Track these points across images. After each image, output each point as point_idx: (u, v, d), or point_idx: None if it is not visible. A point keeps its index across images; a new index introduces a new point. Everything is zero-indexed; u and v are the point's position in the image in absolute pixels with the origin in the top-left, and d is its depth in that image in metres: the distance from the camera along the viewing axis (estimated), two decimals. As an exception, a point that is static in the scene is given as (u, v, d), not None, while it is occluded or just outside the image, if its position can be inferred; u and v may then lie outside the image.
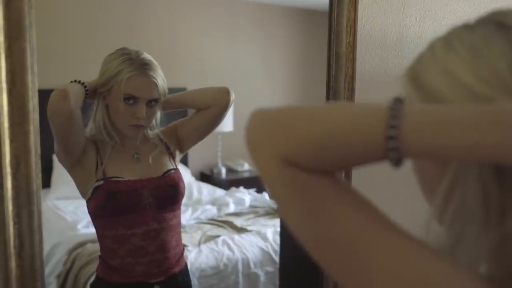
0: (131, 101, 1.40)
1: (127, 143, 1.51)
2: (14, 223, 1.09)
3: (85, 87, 1.37)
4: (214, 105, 1.58)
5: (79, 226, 2.56)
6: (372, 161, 0.50)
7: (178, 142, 1.62)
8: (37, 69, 1.09)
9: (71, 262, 2.43)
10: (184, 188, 1.55)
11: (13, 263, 1.10)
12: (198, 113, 1.61)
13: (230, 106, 1.62)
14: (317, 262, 0.53)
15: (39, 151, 1.12)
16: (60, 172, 2.93)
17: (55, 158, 3.06)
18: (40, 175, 1.13)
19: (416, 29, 1.67)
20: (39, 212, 1.14)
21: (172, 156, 1.59)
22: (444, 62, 0.53)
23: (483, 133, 0.43)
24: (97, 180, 1.42)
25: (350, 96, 1.50)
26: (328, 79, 1.50)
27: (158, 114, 1.54)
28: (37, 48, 1.10)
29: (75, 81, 1.38)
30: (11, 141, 1.06)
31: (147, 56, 1.45)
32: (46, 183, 3.07)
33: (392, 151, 0.47)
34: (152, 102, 1.44)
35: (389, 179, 1.68)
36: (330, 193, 0.51)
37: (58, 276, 2.42)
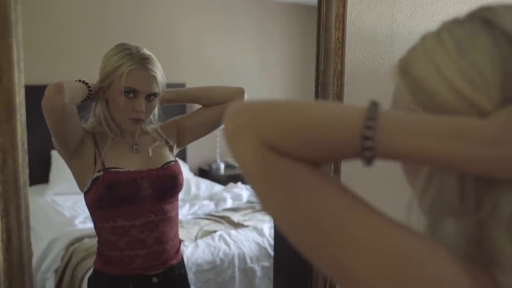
0: (131, 95, 1.43)
1: (126, 136, 1.53)
2: (2, 217, 1.11)
3: (88, 87, 1.39)
4: (230, 101, 1.59)
5: (77, 221, 2.58)
6: (347, 157, 0.53)
7: (179, 136, 1.63)
8: (23, 65, 1.10)
9: (69, 257, 2.45)
10: (183, 180, 1.57)
11: (0, 257, 1.12)
12: (205, 109, 1.63)
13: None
14: (295, 245, 0.54)
15: (26, 146, 1.13)
16: (58, 168, 2.95)
17: (53, 153, 3.08)
18: (27, 170, 1.14)
19: (406, 24, 1.67)
20: (27, 206, 1.15)
21: (171, 149, 1.61)
22: (433, 56, 0.55)
23: (446, 144, 0.48)
24: (97, 171, 1.44)
25: (339, 92, 1.51)
26: (317, 74, 1.51)
27: (156, 109, 1.56)
28: (23, 44, 1.11)
29: (80, 80, 1.40)
30: (-2, 136, 1.08)
31: (146, 51, 1.48)
32: (45, 178, 3.10)
33: (367, 151, 0.50)
34: (151, 97, 1.46)
35: (381, 172, 1.69)
36: (307, 177, 0.53)
37: (56, 271, 2.44)
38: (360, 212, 0.51)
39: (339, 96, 1.51)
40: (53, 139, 1.42)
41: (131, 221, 1.47)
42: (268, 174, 0.53)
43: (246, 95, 1.65)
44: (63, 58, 3.21)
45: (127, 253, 1.48)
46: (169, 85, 3.88)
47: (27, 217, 1.15)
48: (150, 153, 1.54)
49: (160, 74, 1.48)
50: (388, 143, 0.50)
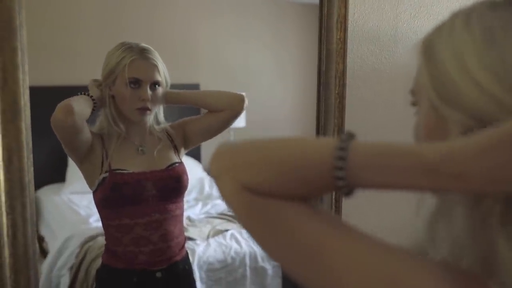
0: (135, 85, 1.48)
1: (133, 135, 1.56)
2: (7, 214, 1.15)
3: (92, 99, 1.45)
4: (228, 109, 1.62)
5: (91, 220, 2.63)
6: (324, 190, 0.53)
7: (184, 138, 1.66)
8: (27, 67, 1.14)
9: (83, 255, 2.50)
10: (187, 181, 1.60)
11: (6, 252, 1.16)
12: (210, 114, 1.65)
13: (242, 112, 1.67)
14: (287, 272, 0.56)
15: (30, 145, 1.18)
16: (74, 168, 2.98)
17: (70, 153, 3.12)
18: (32, 169, 1.18)
19: (410, 24, 1.67)
20: (32, 204, 1.19)
21: (177, 150, 1.64)
22: (458, 42, 0.52)
23: (418, 180, 0.47)
24: (103, 172, 1.49)
25: (341, 92, 1.52)
26: (318, 75, 1.52)
27: (162, 108, 1.59)
28: (28, 46, 1.15)
29: (82, 93, 1.45)
30: (4, 136, 1.12)
31: (145, 45, 1.53)
32: (61, 178, 3.16)
33: (340, 181, 0.50)
34: (155, 86, 1.51)
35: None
36: (286, 212, 0.54)
37: (71, 268, 2.49)
38: (342, 235, 0.52)
39: (341, 97, 1.52)
40: (63, 147, 1.47)
41: (135, 219, 1.51)
42: (250, 213, 0.56)
43: (246, 102, 1.65)
44: (79, 59, 3.28)
45: (131, 249, 1.52)
46: (184, 86, 3.90)
47: (32, 214, 1.20)
48: (155, 155, 1.58)
49: (161, 64, 1.53)
50: (361, 175, 0.49)
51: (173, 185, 1.56)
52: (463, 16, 0.53)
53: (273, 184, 0.53)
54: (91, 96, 1.45)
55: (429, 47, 0.56)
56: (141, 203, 1.51)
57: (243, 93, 1.70)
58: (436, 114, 0.54)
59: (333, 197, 1.59)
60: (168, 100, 1.59)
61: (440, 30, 0.56)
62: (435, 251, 0.54)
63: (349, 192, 0.51)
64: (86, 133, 1.45)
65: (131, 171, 1.51)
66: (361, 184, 0.50)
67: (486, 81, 0.48)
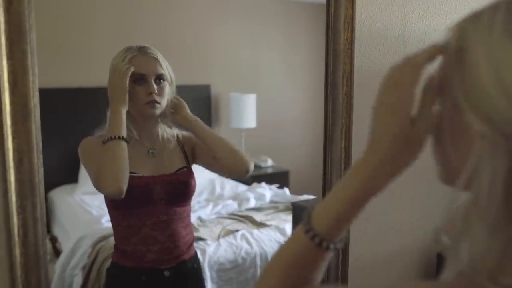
0: (140, 81, 1.51)
1: (144, 138, 1.59)
2: (18, 214, 1.17)
3: (124, 138, 1.46)
4: (228, 170, 1.61)
5: (103, 220, 2.66)
6: (319, 260, 0.66)
7: (193, 153, 1.67)
8: (37, 70, 1.16)
9: (95, 255, 2.52)
10: (195, 186, 1.62)
11: (17, 251, 1.18)
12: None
13: (243, 177, 1.65)
14: None
15: (40, 146, 1.19)
16: (87, 168, 3.05)
17: (82, 155, 3.14)
18: (42, 169, 1.20)
19: (419, 24, 1.67)
20: (42, 204, 1.21)
21: (186, 156, 1.66)
22: (497, 49, 0.49)
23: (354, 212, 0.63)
24: None
25: (349, 92, 1.52)
26: (326, 75, 1.52)
27: (167, 99, 1.59)
28: (40, 48, 1.17)
29: (114, 137, 1.44)
30: (14, 138, 1.14)
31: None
32: (74, 178, 3.20)
33: (321, 242, 0.63)
34: (160, 80, 1.54)
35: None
36: None
37: (83, 267, 2.51)
38: None
39: (349, 96, 1.52)
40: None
41: (143, 221, 1.54)
42: None
43: (251, 170, 1.62)
44: (92, 61, 3.31)
45: (140, 248, 1.55)
46: (195, 87, 3.92)
47: (43, 214, 1.21)
48: (165, 158, 1.60)
49: (161, 57, 1.55)
50: (326, 229, 0.64)
51: (181, 189, 1.59)
52: (506, 15, 0.50)
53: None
54: (123, 137, 1.45)
55: (463, 38, 0.53)
56: (149, 206, 1.54)
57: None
58: (457, 115, 0.53)
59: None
60: (181, 123, 1.61)
61: (477, 21, 0.52)
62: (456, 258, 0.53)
63: (338, 245, 0.64)
64: None
65: (140, 175, 1.53)
66: (337, 234, 0.64)
67: None
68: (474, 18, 0.53)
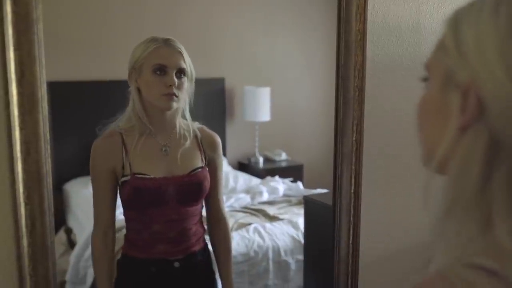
0: (161, 72, 1.48)
1: (158, 133, 1.56)
2: (26, 204, 1.17)
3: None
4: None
5: (117, 212, 2.67)
6: None
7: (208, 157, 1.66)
8: (44, 60, 1.16)
9: (108, 246, 2.52)
10: (208, 186, 1.60)
11: (25, 242, 1.19)
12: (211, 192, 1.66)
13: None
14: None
15: (48, 137, 1.20)
16: (101, 161, 3.07)
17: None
18: (49, 160, 1.20)
19: (433, 15, 1.64)
20: (50, 195, 1.21)
21: (204, 153, 1.62)
22: (482, 27, 0.52)
23: None
24: (124, 176, 1.52)
25: (360, 85, 1.50)
26: (337, 67, 1.50)
27: (188, 104, 1.59)
28: (50, 42, 1.17)
29: None
30: (21, 129, 1.14)
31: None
32: (88, 171, 3.22)
33: None
34: (180, 74, 1.51)
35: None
36: None
37: (97, 259, 2.52)
38: None
39: (360, 89, 1.50)
40: None
41: (154, 219, 1.54)
42: None
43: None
44: (103, 54, 3.32)
45: (150, 241, 1.56)
46: (209, 80, 3.92)
47: (50, 205, 1.22)
48: (179, 157, 1.56)
49: (186, 53, 1.53)
50: None
51: (193, 191, 1.57)
52: (492, 2, 0.53)
53: None
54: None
55: (455, 21, 0.57)
56: (161, 206, 1.53)
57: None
58: (443, 95, 0.57)
59: (352, 190, 1.57)
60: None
61: (470, 7, 0.56)
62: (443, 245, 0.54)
63: None
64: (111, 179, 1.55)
65: (152, 176, 1.51)
66: None
67: (501, 73, 0.50)
68: (467, 5, 0.57)
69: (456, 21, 0.56)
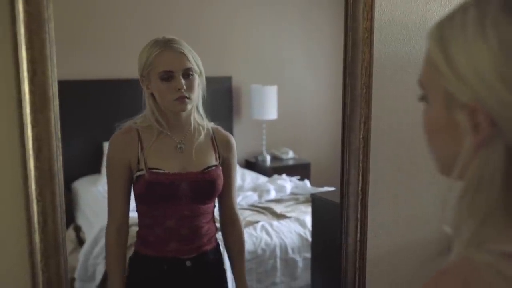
0: (168, 78, 1.49)
1: (174, 131, 1.57)
2: (38, 201, 1.19)
3: None
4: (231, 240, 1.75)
5: (128, 209, 2.69)
6: None
7: (223, 156, 1.67)
8: (55, 59, 1.18)
9: (117, 244, 2.54)
10: (221, 184, 1.61)
11: (37, 238, 1.20)
12: (224, 192, 1.67)
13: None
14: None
15: (59, 135, 1.21)
16: (109, 159, 3.10)
17: (105, 145, 3.21)
18: (60, 157, 1.22)
19: (441, 13, 1.64)
20: (61, 192, 1.23)
21: (218, 152, 1.63)
22: (474, 49, 0.53)
23: None
24: (139, 170, 1.53)
25: (368, 82, 1.50)
26: (344, 65, 1.51)
27: (201, 100, 1.60)
28: (62, 42, 1.19)
29: None
30: (33, 126, 1.16)
31: (171, 36, 1.54)
32: (97, 169, 3.25)
33: None
34: (188, 75, 1.51)
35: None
36: None
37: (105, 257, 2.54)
38: None
39: (367, 87, 1.51)
40: None
41: (167, 215, 1.55)
42: None
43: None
44: (113, 54, 3.34)
45: (162, 238, 1.57)
46: (216, 78, 3.93)
47: (62, 202, 1.23)
48: (194, 154, 1.58)
49: (189, 50, 1.52)
50: None
51: (206, 188, 1.58)
52: (475, 21, 0.54)
53: None
54: None
55: (441, 40, 0.57)
56: (173, 202, 1.54)
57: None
58: (449, 115, 0.58)
59: (359, 187, 1.58)
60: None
61: (451, 21, 0.57)
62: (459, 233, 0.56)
63: None
64: (126, 173, 1.55)
65: (166, 171, 1.53)
66: None
67: (505, 92, 0.52)
68: (447, 19, 0.58)
69: (442, 39, 0.57)
